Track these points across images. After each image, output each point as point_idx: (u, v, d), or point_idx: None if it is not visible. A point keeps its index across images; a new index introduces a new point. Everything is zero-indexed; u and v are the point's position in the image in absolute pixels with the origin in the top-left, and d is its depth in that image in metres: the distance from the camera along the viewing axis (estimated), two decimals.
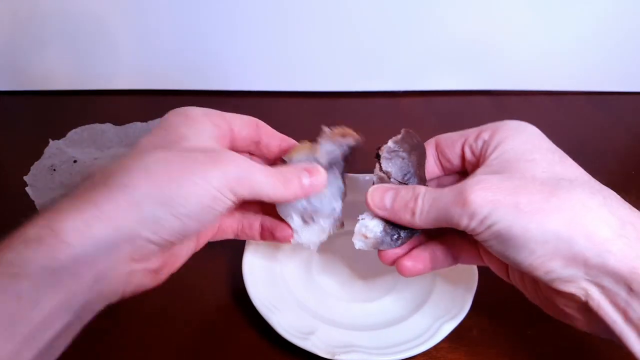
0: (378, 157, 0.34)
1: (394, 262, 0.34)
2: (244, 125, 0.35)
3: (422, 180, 0.34)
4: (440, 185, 0.36)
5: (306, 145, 0.36)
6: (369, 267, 0.44)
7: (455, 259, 0.34)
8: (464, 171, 0.35)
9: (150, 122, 0.61)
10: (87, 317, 0.27)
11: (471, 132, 0.33)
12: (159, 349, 0.39)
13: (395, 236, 0.33)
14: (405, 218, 0.31)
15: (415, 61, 0.66)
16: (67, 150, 0.56)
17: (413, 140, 0.34)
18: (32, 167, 0.54)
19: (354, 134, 0.36)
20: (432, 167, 0.35)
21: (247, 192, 0.30)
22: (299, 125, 0.64)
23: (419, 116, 0.66)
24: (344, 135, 0.35)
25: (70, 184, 0.52)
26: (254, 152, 0.37)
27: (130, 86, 0.66)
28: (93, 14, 0.61)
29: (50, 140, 0.57)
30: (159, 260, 0.30)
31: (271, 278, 0.41)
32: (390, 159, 0.33)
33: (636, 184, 0.56)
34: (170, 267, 0.33)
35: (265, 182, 0.31)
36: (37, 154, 0.55)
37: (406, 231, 0.33)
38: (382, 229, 0.33)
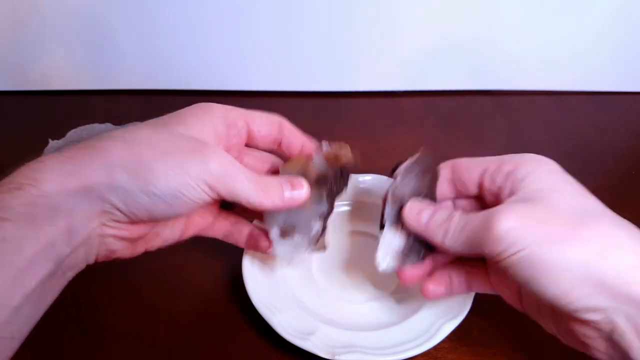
0: (395, 170, 0.35)
1: (416, 282, 0.35)
2: (265, 124, 0.36)
3: (434, 201, 0.35)
4: (457, 207, 0.37)
5: (300, 160, 0.36)
6: (369, 267, 0.44)
7: (469, 286, 0.35)
8: (479, 196, 0.35)
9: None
10: (69, 273, 0.29)
11: (492, 162, 0.34)
12: (157, 349, 0.39)
13: (421, 252, 0.34)
14: (437, 237, 0.32)
15: (415, 61, 0.66)
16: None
17: (428, 160, 0.36)
18: None
19: (349, 154, 0.36)
20: (445, 188, 0.36)
21: (225, 192, 0.31)
22: (299, 125, 0.64)
23: (419, 116, 0.66)
24: (337, 156, 0.36)
25: None
26: (275, 151, 0.38)
27: (130, 86, 0.66)
28: (93, 13, 0.60)
29: (50, 140, 0.57)
30: (132, 231, 0.31)
31: (271, 278, 0.41)
32: (406, 177, 0.35)
33: (636, 184, 0.56)
34: (148, 243, 0.34)
35: (246, 187, 0.31)
36: (36, 154, 0.55)
37: (428, 248, 0.34)
38: (404, 243, 0.34)
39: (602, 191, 0.54)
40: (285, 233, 0.35)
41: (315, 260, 0.44)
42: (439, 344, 0.36)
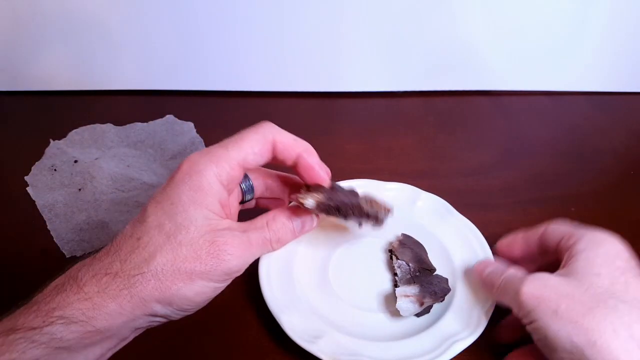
0: (391, 249, 0.44)
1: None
2: (257, 156, 0.36)
3: (427, 263, 0.43)
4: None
5: (320, 189, 0.37)
6: (384, 277, 0.43)
7: None
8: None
9: (150, 122, 0.61)
10: None
11: (567, 232, 0.36)
12: (160, 348, 0.39)
13: (435, 297, 0.39)
14: (489, 288, 0.38)
15: (415, 61, 0.66)
16: (68, 150, 0.56)
17: (410, 238, 0.45)
18: (32, 167, 0.54)
19: (387, 207, 0.38)
20: (532, 249, 0.39)
21: (243, 269, 0.34)
22: (299, 125, 0.64)
23: (419, 116, 0.66)
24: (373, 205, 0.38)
25: (70, 184, 0.52)
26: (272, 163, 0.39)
27: (130, 86, 0.66)
28: (93, 14, 0.60)
29: (51, 141, 0.57)
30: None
31: (286, 279, 0.40)
32: (403, 249, 0.43)
33: (636, 184, 0.56)
34: None
35: (262, 250, 0.35)
36: (38, 154, 0.55)
37: (441, 295, 0.40)
38: (418, 291, 0.39)
39: (601, 191, 0.55)
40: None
41: (332, 265, 0.44)
42: None
